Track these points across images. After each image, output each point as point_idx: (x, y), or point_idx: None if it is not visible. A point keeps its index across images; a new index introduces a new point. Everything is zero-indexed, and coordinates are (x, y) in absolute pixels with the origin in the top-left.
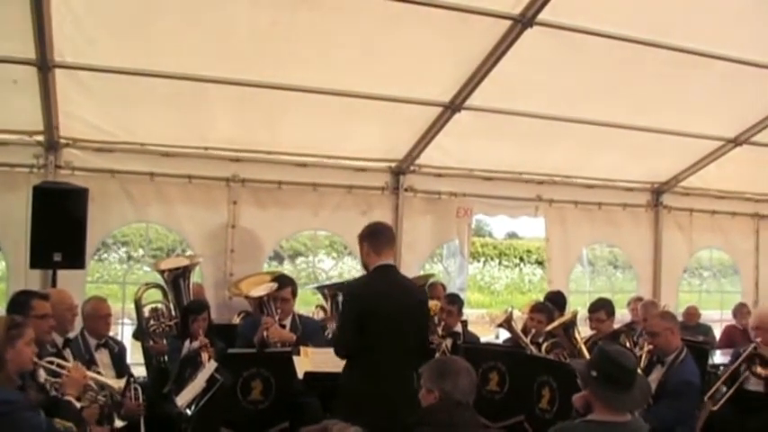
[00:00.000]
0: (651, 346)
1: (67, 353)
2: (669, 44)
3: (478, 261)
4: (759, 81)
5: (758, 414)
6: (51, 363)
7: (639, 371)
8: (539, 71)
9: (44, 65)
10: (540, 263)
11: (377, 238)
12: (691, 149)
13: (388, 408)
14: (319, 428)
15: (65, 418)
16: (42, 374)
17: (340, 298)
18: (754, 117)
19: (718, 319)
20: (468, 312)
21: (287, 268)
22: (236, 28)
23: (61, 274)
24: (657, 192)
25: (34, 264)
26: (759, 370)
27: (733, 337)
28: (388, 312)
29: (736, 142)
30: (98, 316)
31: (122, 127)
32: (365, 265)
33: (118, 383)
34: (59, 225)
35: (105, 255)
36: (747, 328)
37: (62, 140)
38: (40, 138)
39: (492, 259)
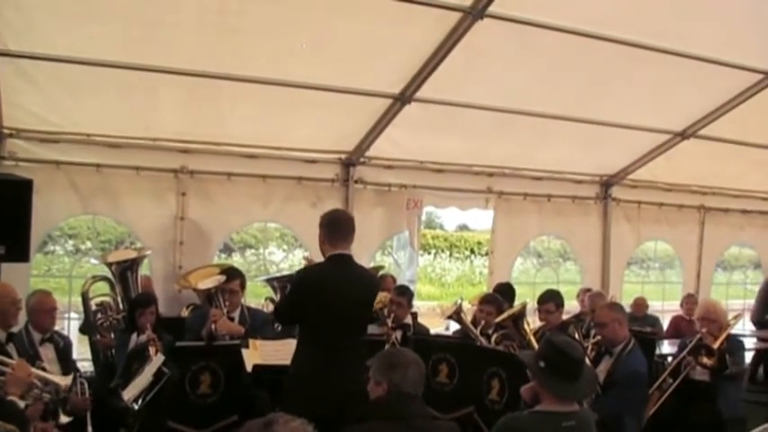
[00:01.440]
0: (599, 337)
1: (11, 348)
2: (618, 38)
3: (429, 253)
4: (706, 75)
5: (704, 403)
6: None
7: (588, 361)
8: (489, 63)
9: None
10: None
11: (334, 228)
12: (639, 142)
13: (336, 399)
14: (264, 421)
15: (7, 419)
16: None
17: None
18: (701, 111)
19: (660, 309)
20: (419, 304)
21: (237, 261)
22: (184, 16)
23: (4, 267)
24: (606, 184)
25: None
26: (704, 360)
27: (680, 328)
28: (338, 302)
29: (683, 135)
30: (43, 310)
31: (68, 117)
32: (322, 252)
33: (65, 381)
34: (2, 217)
35: (52, 247)
36: (694, 319)
37: (5, 131)
38: None
39: (443, 251)
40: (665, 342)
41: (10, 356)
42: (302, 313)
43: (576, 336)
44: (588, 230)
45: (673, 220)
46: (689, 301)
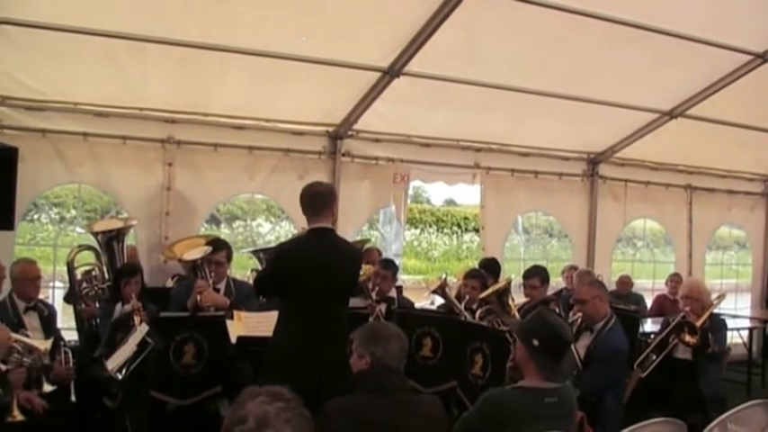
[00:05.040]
0: (580, 314)
1: None
2: (607, 16)
3: (416, 228)
4: (695, 55)
5: (685, 381)
6: None
7: None
8: (478, 39)
9: None
10: (477, 230)
11: (312, 200)
12: (627, 121)
13: (315, 372)
14: (253, 393)
15: None
16: None
17: None
18: (689, 90)
19: (650, 288)
20: (404, 278)
21: (224, 232)
22: None
23: None
24: (593, 162)
25: None
26: (687, 338)
27: (663, 306)
28: (318, 274)
29: (671, 115)
30: (27, 278)
31: (54, 86)
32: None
33: (44, 344)
34: None
35: (37, 216)
36: (678, 298)
37: None
38: None
39: (430, 226)
40: (648, 320)
41: None
42: (281, 285)
43: (558, 311)
44: (575, 208)
45: (660, 198)
46: (674, 280)
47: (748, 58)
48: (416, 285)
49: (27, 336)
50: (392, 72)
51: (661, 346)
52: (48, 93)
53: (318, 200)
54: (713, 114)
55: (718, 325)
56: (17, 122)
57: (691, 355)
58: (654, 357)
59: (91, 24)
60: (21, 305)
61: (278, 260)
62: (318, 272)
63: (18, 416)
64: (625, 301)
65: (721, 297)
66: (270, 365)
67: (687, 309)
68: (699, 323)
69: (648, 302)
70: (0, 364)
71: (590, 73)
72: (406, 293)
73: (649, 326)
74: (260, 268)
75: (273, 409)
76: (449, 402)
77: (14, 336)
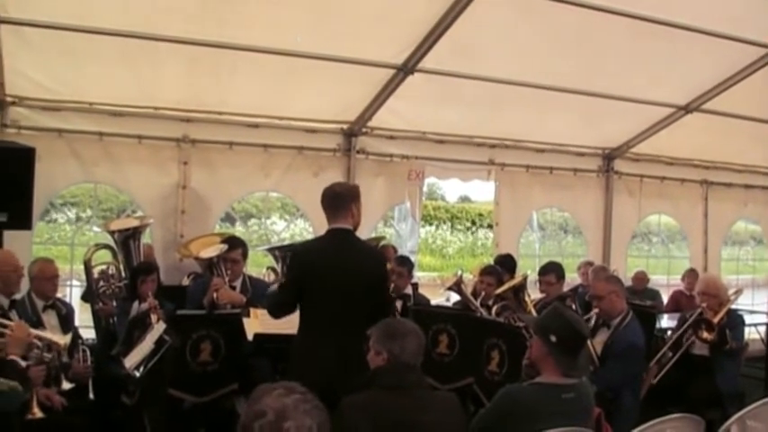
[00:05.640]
0: (597, 310)
1: (13, 314)
2: (622, 10)
3: (431, 224)
4: (711, 49)
5: (703, 377)
6: None
7: None
8: (492, 35)
9: None
10: (491, 227)
11: (331, 200)
12: (642, 116)
13: (336, 370)
14: (268, 388)
15: (9, 377)
16: None
17: None
18: (705, 85)
19: (665, 284)
20: (419, 275)
21: (239, 230)
22: None
23: (7, 235)
24: (608, 157)
25: None
26: (704, 335)
27: (679, 302)
28: (336, 274)
29: (687, 109)
30: (45, 277)
31: (70, 86)
32: None
33: (63, 339)
34: (5, 185)
35: (54, 215)
36: (694, 294)
37: (8, 99)
38: None
39: (444, 223)
40: (665, 316)
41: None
42: (299, 291)
43: (574, 307)
44: (590, 203)
45: (675, 194)
46: (690, 275)
47: (764, 51)
48: (431, 282)
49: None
50: (406, 69)
51: (678, 343)
52: (64, 93)
53: (336, 200)
54: (729, 108)
55: (735, 321)
56: (34, 123)
57: (708, 351)
58: (671, 354)
59: (106, 25)
60: (39, 304)
61: (294, 261)
62: (333, 272)
63: (38, 413)
64: (641, 296)
65: (738, 293)
66: (292, 366)
67: (704, 305)
68: (716, 319)
69: (664, 298)
70: (20, 360)
71: (605, 68)
72: (421, 291)
73: (666, 322)
74: (276, 266)
75: (291, 401)
76: (465, 399)
77: (34, 332)
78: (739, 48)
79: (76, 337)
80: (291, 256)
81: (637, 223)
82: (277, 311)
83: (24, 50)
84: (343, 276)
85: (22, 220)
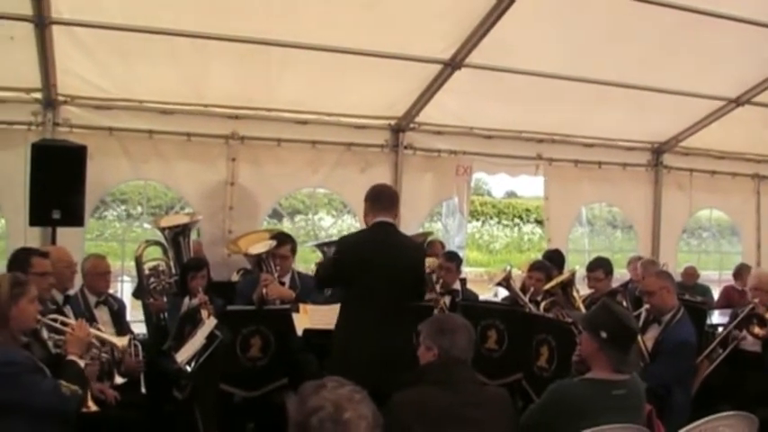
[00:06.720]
0: (648, 305)
1: (68, 310)
2: (672, 2)
3: (477, 220)
4: (761, 41)
5: (754, 373)
6: (55, 320)
7: None
8: (540, 29)
9: (41, 21)
10: (539, 222)
11: (377, 198)
12: (692, 109)
13: (380, 364)
14: (317, 384)
15: (69, 378)
16: (45, 331)
17: None
18: (756, 77)
19: (716, 279)
20: (466, 271)
21: (286, 226)
22: None
23: (60, 231)
24: (658, 151)
25: (33, 221)
26: (756, 330)
27: (731, 298)
28: (380, 266)
29: (737, 102)
30: (97, 273)
31: (121, 84)
32: (366, 225)
33: (122, 342)
34: (58, 183)
35: (104, 213)
36: (746, 289)
37: (60, 98)
38: (38, 95)
39: (491, 218)
40: (716, 312)
41: (67, 318)
42: (343, 279)
43: (624, 303)
44: (639, 198)
45: (726, 188)
46: (743, 271)
47: None
48: (478, 278)
49: (101, 330)
50: (454, 64)
51: (728, 339)
52: (114, 92)
53: (384, 196)
54: None
55: None
56: (85, 121)
57: (760, 347)
58: (721, 350)
59: (156, 24)
60: (92, 299)
61: (339, 252)
62: (379, 263)
63: (92, 407)
64: (690, 292)
65: None
66: (334, 357)
67: (756, 300)
68: None
69: (715, 294)
70: (79, 359)
71: (655, 61)
72: (468, 287)
73: (717, 318)
74: None
75: (346, 392)
76: (514, 395)
77: (93, 331)
78: None
79: (129, 332)
80: (338, 245)
81: (687, 218)
82: (327, 282)
83: (76, 50)
84: (388, 270)
85: (74, 216)
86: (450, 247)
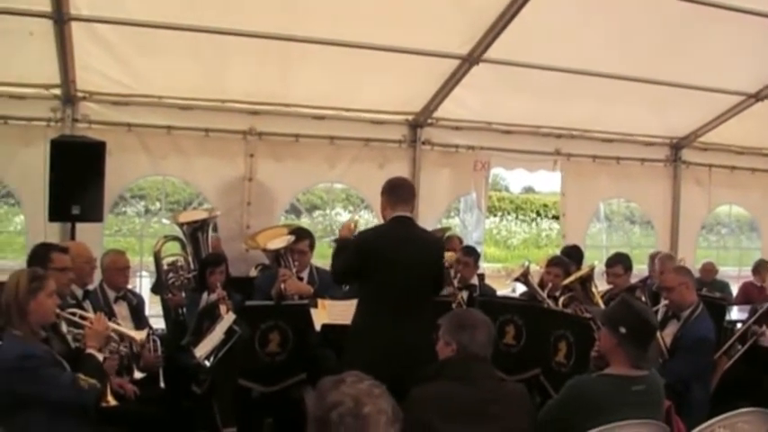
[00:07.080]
0: (666, 301)
1: (87, 304)
2: None
3: (495, 215)
4: None
5: None
6: (74, 314)
7: None
8: (558, 24)
9: (60, 18)
10: (556, 217)
11: (394, 192)
12: (711, 104)
13: (396, 357)
14: (336, 379)
15: (87, 372)
16: (64, 326)
17: None
18: None
19: (735, 275)
20: (484, 266)
21: (304, 221)
22: None
23: (79, 227)
24: (676, 147)
25: (53, 217)
26: None
27: (750, 294)
28: (398, 260)
29: (757, 97)
30: (116, 268)
31: (139, 80)
32: (383, 219)
33: (140, 335)
34: (77, 178)
35: (123, 208)
36: (765, 285)
37: (79, 94)
38: (57, 91)
39: (509, 214)
40: (735, 308)
41: (86, 312)
42: (359, 273)
43: (643, 299)
44: (658, 194)
45: (746, 183)
46: (761, 267)
47: None
48: (496, 273)
49: (120, 325)
50: (471, 59)
51: (747, 335)
52: (133, 88)
53: (402, 189)
54: None
55: None
56: (104, 117)
57: None
58: (739, 346)
59: (174, 20)
60: (111, 295)
61: (357, 246)
62: (397, 258)
63: (112, 401)
64: (709, 288)
65: None
66: (350, 351)
67: None
68: None
69: (734, 290)
70: (97, 353)
71: (673, 56)
72: (486, 282)
73: (735, 314)
74: None
75: (365, 386)
76: (533, 390)
77: (112, 325)
78: None
79: (148, 327)
80: (356, 238)
81: (706, 214)
82: (345, 277)
83: (95, 47)
84: (406, 264)
85: (93, 212)
86: (467, 242)
